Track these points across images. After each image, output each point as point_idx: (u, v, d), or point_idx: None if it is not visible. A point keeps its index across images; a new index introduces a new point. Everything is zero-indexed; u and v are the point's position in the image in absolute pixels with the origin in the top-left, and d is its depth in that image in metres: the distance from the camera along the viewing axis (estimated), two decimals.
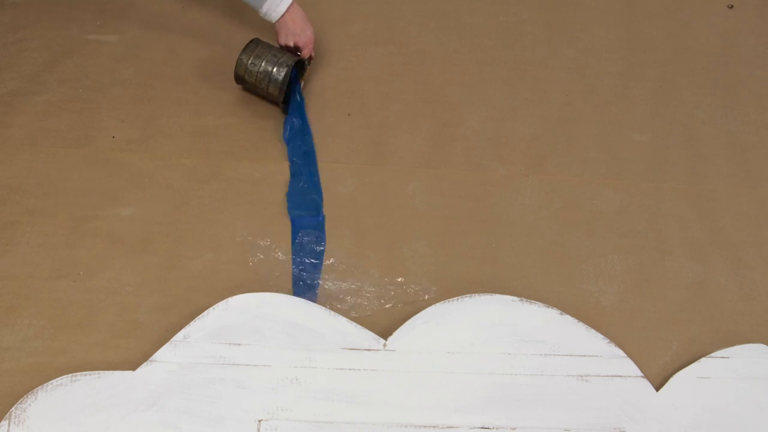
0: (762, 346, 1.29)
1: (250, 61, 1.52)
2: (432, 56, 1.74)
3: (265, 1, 1.49)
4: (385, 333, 1.25)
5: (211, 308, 1.24)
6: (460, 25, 1.81)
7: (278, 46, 1.56)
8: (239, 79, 1.55)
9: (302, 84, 1.59)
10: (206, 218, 1.42)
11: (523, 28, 1.82)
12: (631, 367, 1.24)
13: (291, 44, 1.55)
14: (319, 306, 1.26)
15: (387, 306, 1.32)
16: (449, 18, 1.82)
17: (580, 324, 1.27)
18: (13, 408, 1.13)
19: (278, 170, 1.50)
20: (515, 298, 1.29)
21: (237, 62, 1.53)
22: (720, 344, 1.30)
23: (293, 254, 1.36)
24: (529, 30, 1.82)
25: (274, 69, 1.51)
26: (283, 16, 1.51)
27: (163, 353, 1.20)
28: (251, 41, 1.54)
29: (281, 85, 1.52)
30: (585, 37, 1.81)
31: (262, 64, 1.52)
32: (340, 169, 1.51)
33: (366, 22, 1.79)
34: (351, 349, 1.22)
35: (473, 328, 1.25)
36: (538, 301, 1.29)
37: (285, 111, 1.57)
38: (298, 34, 1.54)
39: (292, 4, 1.52)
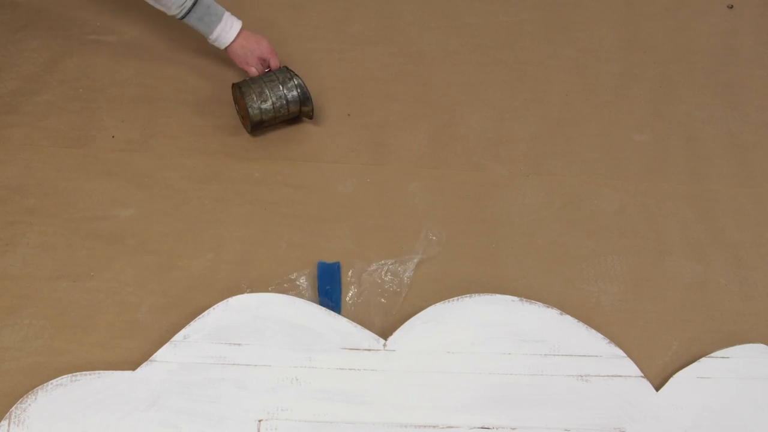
0: (762, 346, 1.29)
1: (258, 103, 1.47)
2: (432, 56, 1.74)
3: (214, 28, 1.47)
4: (385, 333, 1.25)
5: (211, 308, 1.24)
6: (460, 25, 1.81)
7: (253, 75, 1.52)
8: (258, 125, 1.49)
9: None
10: (206, 218, 1.42)
11: (523, 28, 1.82)
12: (631, 367, 1.24)
13: (255, 61, 1.52)
14: (319, 306, 1.26)
15: (387, 306, 1.32)
16: (449, 18, 1.82)
17: (580, 324, 1.27)
18: (13, 408, 1.13)
19: (278, 170, 1.50)
20: (515, 298, 1.29)
21: (249, 113, 1.46)
22: (720, 344, 1.30)
23: None
24: (529, 30, 1.82)
25: (284, 89, 1.49)
26: (235, 39, 1.50)
27: (163, 353, 1.20)
28: (240, 88, 1.48)
29: (304, 98, 1.50)
30: (585, 37, 1.81)
31: (269, 93, 1.48)
32: (340, 169, 1.51)
33: (366, 22, 1.79)
34: (351, 349, 1.22)
35: (473, 328, 1.25)
36: (538, 301, 1.29)
37: (311, 115, 1.54)
38: (256, 48, 1.51)
39: (241, 28, 1.50)
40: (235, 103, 1.54)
